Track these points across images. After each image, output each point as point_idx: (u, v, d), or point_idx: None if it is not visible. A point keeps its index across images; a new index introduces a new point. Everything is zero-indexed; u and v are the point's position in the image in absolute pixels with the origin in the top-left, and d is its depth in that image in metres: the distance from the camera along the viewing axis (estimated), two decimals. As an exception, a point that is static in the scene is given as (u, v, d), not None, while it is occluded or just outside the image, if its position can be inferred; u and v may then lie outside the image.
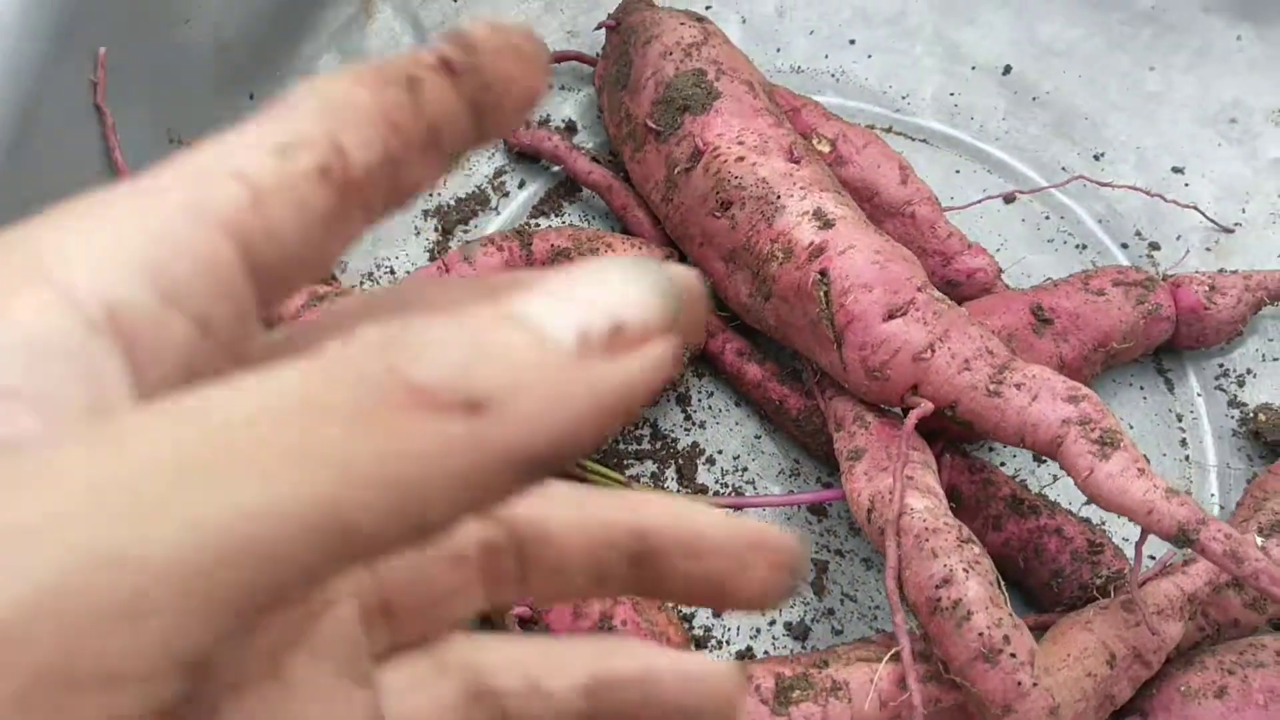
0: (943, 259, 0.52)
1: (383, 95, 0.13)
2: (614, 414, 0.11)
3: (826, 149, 0.53)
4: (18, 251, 0.12)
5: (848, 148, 0.53)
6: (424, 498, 0.11)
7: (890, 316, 0.43)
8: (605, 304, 0.12)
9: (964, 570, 0.38)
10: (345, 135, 0.13)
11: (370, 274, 0.52)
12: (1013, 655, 0.37)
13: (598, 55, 0.56)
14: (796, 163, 0.48)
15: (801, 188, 0.47)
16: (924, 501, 0.40)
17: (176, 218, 0.12)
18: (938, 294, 0.44)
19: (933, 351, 0.42)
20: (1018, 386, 0.41)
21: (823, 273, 0.44)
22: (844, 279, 0.44)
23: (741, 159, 0.47)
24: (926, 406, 0.42)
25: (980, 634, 0.37)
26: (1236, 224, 0.55)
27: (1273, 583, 0.34)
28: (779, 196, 0.46)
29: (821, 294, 0.44)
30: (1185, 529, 0.36)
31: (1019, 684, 0.37)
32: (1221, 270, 0.51)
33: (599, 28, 0.56)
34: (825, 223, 0.45)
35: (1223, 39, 0.56)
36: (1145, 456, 0.50)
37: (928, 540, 0.39)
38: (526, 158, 0.56)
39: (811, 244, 0.45)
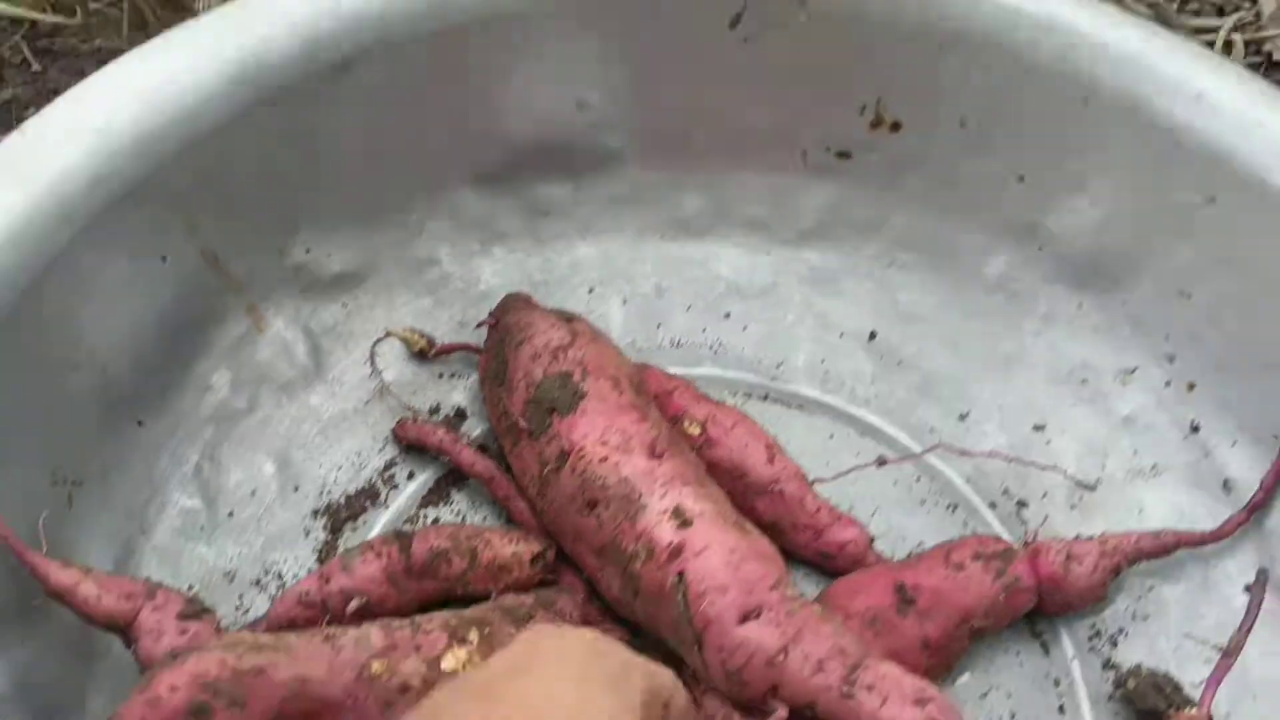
0: (814, 533, 0.54)
1: None
2: None
3: (697, 431, 0.55)
4: None
5: (717, 429, 0.55)
6: None
7: (745, 619, 0.44)
8: None
9: None
10: None
11: (258, 580, 0.53)
12: None
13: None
14: (659, 458, 0.50)
15: (662, 484, 0.49)
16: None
17: None
18: (791, 592, 0.46)
19: (786, 654, 0.44)
20: (869, 688, 0.43)
21: (680, 575, 0.46)
22: (700, 581, 0.45)
23: (605, 459, 0.50)
24: (782, 712, 0.43)
25: None
26: (1098, 480, 0.57)
27: None
28: (640, 495, 0.48)
29: (680, 596, 0.45)
30: None
31: None
32: (1078, 537, 0.53)
33: (479, 325, 0.59)
34: (683, 521, 0.47)
35: (1065, 306, 0.59)
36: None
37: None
38: (416, 449, 0.58)
39: (670, 544, 0.47)
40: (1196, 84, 0.51)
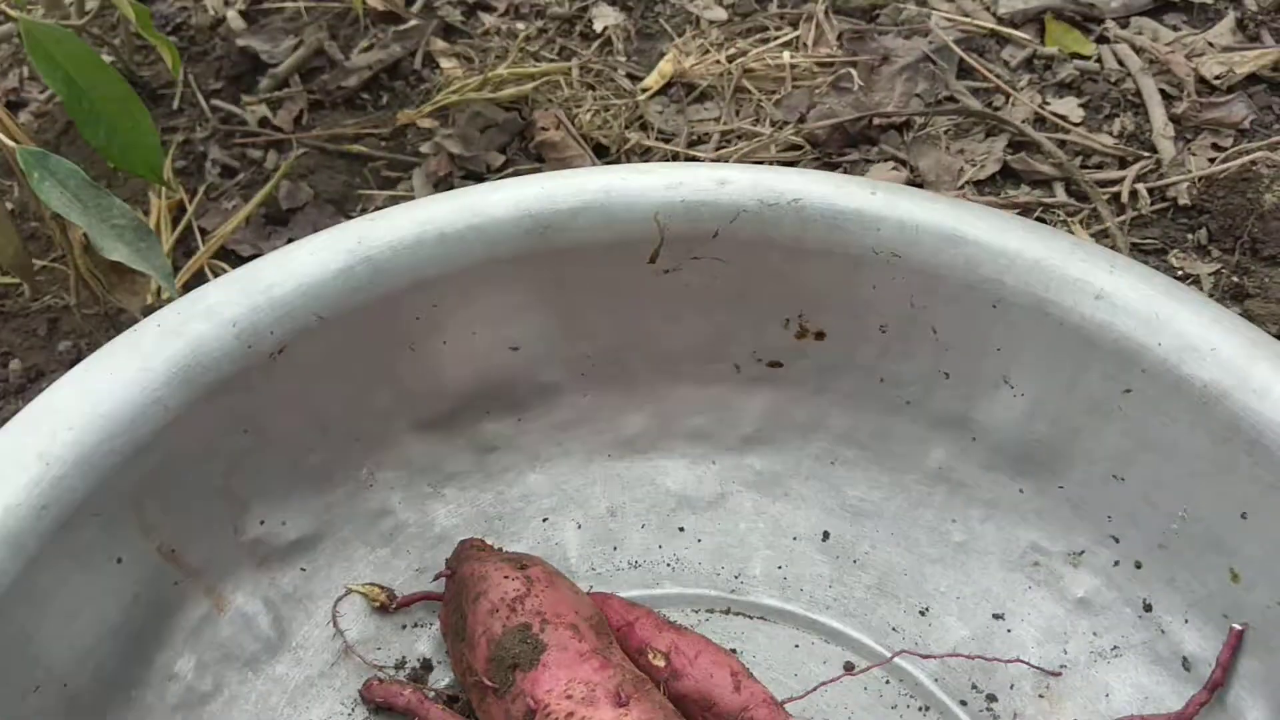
0: None
1: None
2: None
3: (661, 664, 0.56)
4: None
5: (681, 660, 0.56)
6: None
7: None
8: None
9: None
10: None
11: None
12: None
13: (444, 591, 0.60)
14: (625, 705, 0.50)
15: None
16: None
17: None
18: None
19: None
20: None
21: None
22: None
23: (570, 714, 0.50)
24: None
25: None
26: (1062, 666, 0.58)
27: None
28: None
29: None
30: None
31: None
32: (1049, 731, 0.54)
33: (437, 578, 0.59)
34: None
35: (1007, 492, 0.61)
36: None
37: None
38: (385, 709, 0.58)
39: None
40: (1096, 284, 0.53)
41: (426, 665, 0.60)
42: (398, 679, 0.59)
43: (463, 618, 0.56)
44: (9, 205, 0.90)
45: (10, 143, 0.66)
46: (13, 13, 0.80)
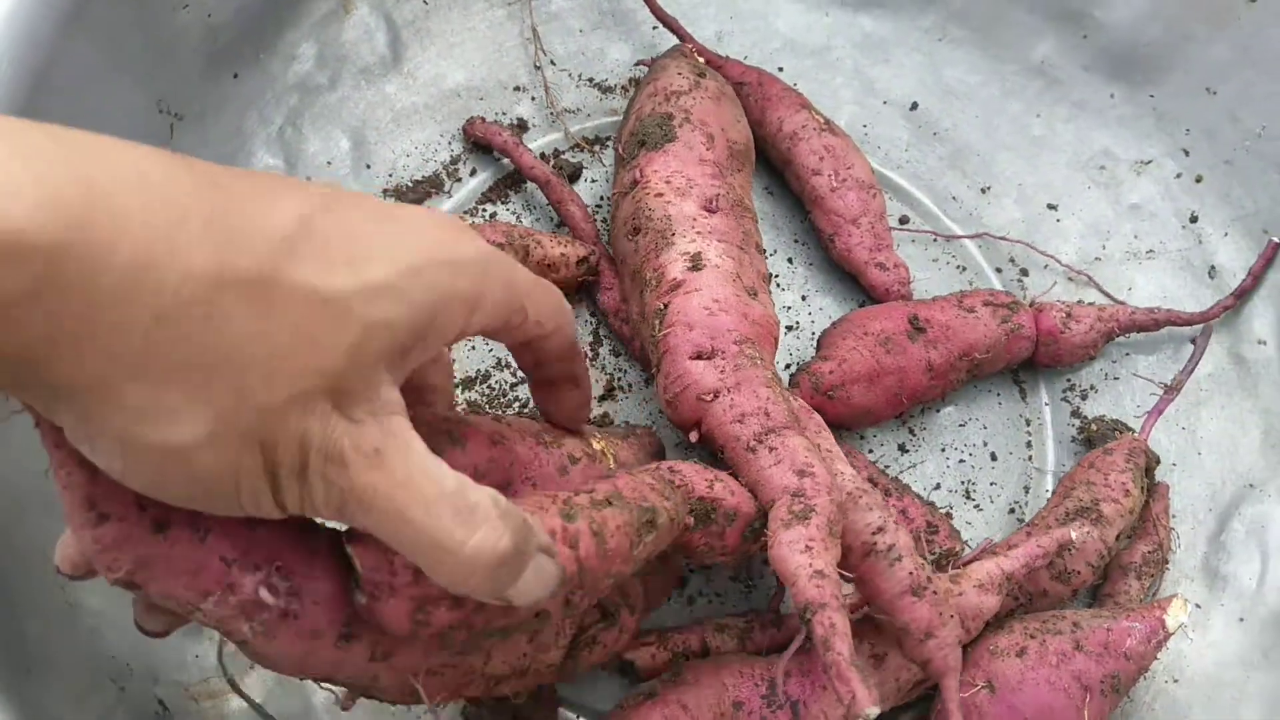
0: (876, 242, 0.60)
1: None
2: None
3: (823, 119, 0.62)
4: None
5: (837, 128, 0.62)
6: None
7: (697, 357, 0.47)
8: None
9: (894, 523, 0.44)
10: None
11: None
12: (934, 592, 0.44)
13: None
14: (712, 213, 0.53)
15: (698, 233, 0.51)
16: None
17: None
18: (752, 352, 0.48)
19: (715, 397, 0.46)
20: (770, 449, 0.45)
21: (665, 305, 0.49)
22: (676, 314, 0.48)
23: (660, 195, 0.53)
24: (694, 437, 0.47)
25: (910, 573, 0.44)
26: (1097, 259, 0.62)
27: (839, 678, 0.37)
28: (673, 234, 0.51)
29: (656, 322, 0.49)
30: (808, 607, 0.39)
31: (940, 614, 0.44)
32: (1080, 301, 0.59)
33: (638, 65, 0.65)
34: (695, 265, 0.50)
35: (1098, 95, 0.63)
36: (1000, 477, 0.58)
37: (861, 498, 0.44)
38: (480, 148, 0.62)
39: (674, 280, 0.49)
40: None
41: (523, 125, 0.64)
42: (499, 123, 0.63)
43: (633, 98, 0.59)
44: None
45: None
46: None
